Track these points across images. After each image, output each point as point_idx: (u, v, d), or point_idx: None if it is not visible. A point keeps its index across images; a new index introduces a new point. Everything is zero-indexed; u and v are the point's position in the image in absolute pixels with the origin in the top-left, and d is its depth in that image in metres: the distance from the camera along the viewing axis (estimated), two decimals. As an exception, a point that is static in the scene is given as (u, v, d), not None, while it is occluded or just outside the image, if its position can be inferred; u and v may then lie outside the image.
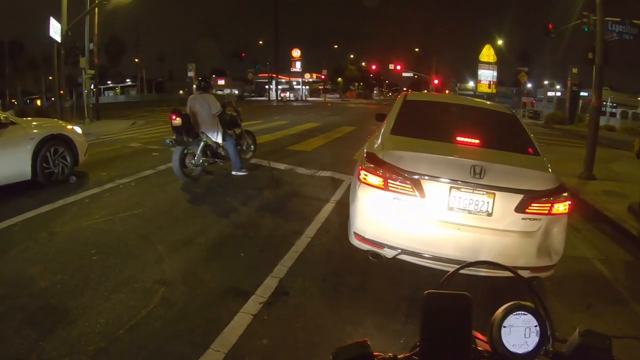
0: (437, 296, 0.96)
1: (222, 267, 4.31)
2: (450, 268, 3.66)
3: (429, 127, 4.54)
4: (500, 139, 4.49)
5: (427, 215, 3.75)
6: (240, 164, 8.02)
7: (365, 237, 3.88)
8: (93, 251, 4.50)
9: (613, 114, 32.26)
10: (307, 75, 63.99)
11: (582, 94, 31.34)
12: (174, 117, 7.08)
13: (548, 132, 23.35)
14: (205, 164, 7.70)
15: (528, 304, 1.06)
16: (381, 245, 3.81)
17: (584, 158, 10.18)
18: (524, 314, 1.04)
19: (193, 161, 7.45)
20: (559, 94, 41.28)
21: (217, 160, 7.91)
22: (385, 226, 3.79)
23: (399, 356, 1.00)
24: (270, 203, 6.62)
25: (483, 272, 3.52)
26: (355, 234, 3.97)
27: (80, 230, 5.13)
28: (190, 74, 33.51)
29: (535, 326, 1.03)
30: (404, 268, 3.94)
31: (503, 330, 1.02)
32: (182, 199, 6.57)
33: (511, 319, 1.03)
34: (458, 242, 3.69)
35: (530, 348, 1.01)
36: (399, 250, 3.76)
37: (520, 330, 1.02)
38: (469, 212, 3.72)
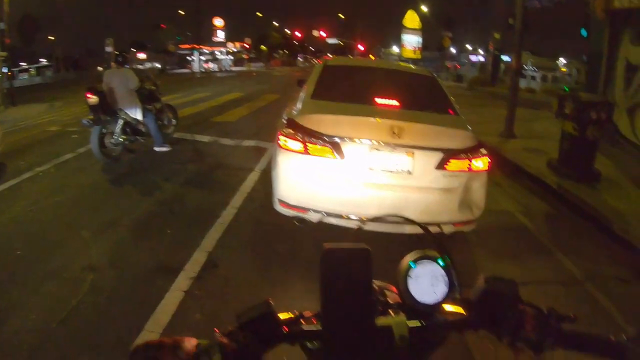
0: (335, 251, 0.92)
1: (149, 247, 4.32)
2: (376, 228, 3.83)
3: (348, 90, 4.58)
4: (420, 100, 4.60)
5: (349, 177, 3.85)
6: (162, 140, 7.86)
7: (289, 202, 3.94)
8: (17, 245, 4.36)
9: (534, 77, 33.57)
10: (230, 45, 61.94)
11: (503, 58, 32.32)
12: (89, 95, 6.76)
13: (471, 94, 23.97)
14: (126, 142, 7.43)
15: (432, 252, 1.04)
16: (305, 210, 3.89)
17: (504, 118, 10.66)
18: (430, 263, 1.01)
19: (112, 140, 7.16)
20: (481, 58, 42.51)
21: (138, 137, 7.67)
22: (309, 190, 3.86)
23: (304, 314, 0.99)
24: (195, 177, 6.61)
25: (407, 229, 3.67)
26: (279, 200, 4.03)
27: (1, 225, 4.95)
28: (109, 49, 31.47)
29: (442, 275, 1.00)
30: (331, 231, 4.02)
31: (409, 281, 0.99)
32: (104, 181, 6.42)
33: (417, 269, 1.00)
34: (380, 201, 3.80)
35: (438, 297, 0.99)
36: (324, 214, 3.85)
37: (427, 280, 0.99)
38: (390, 171, 3.83)
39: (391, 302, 1.07)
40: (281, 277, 3.82)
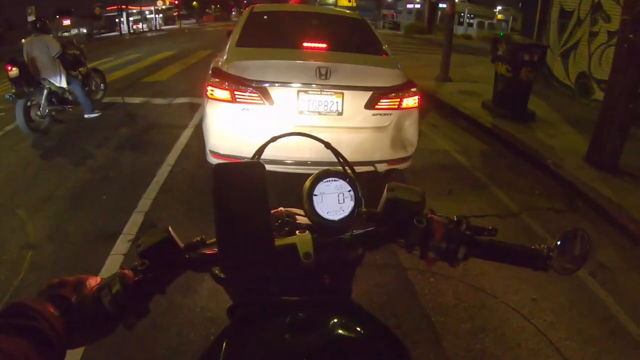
0: (226, 167, 0.86)
1: (86, 215, 4.16)
2: (312, 170, 3.89)
3: (275, 35, 4.50)
4: (349, 42, 4.57)
5: (279, 121, 3.81)
6: (91, 106, 7.47)
7: (221, 152, 3.89)
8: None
9: (471, 24, 33.97)
10: (159, 3, 59.25)
11: (440, 5, 32.48)
12: (9, 67, 6.35)
13: (408, 41, 24.04)
14: (53, 112, 7.02)
15: (336, 169, 1.02)
16: (238, 159, 3.82)
17: (440, 62, 10.78)
18: (335, 180, 0.99)
19: (39, 112, 6.72)
20: (418, 6, 42.47)
21: (65, 106, 7.25)
22: (239, 139, 3.81)
23: (207, 241, 0.95)
24: (128, 140, 6.38)
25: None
26: (211, 151, 3.97)
27: None
28: (31, 18, 29.48)
29: (349, 191, 0.99)
30: (268, 177, 4.05)
31: (315, 199, 0.97)
32: (35, 156, 6.05)
33: (321, 187, 0.98)
34: (312, 144, 3.82)
35: (345, 213, 0.97)
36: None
37: (333, 197, 0.98)
38: (320, 113, 3.82)
39: (299, 222, 1.03)
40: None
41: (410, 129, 4.07)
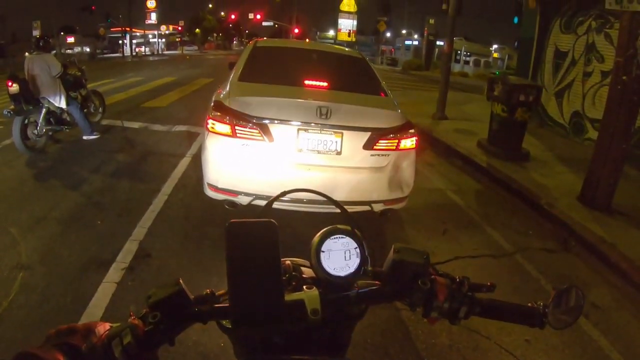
0: (240, 224, 0.89)
1: (79, 239, 4.13)
2: (308, 208, 3.89)
3: (277, 72, 4.53)
4: (349, 81, 4.62)
5: (278, 158, 3.83)
6: (90, 128, 7.51)
7: (219, 186, 3.90)
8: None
9: (467, 62, 34.62)
10: (163, 27, 60.06)
11: (438, 43, 33.12)
12: (10, 83, 6.37)
13: (405, 78, 24.46)
14: (50, 132, 7.06)
15: (344, 226, 1.04)
16: (235, 194, 3.87)
17: (437, 100, 10.91)
18: (342, 237, 1.01)
19: (36, 131, 6.74)
20: (416, 42, 43.41)
21: (63, 127, 7.29)
22: (238, 174, 3.83)
23: (217, 292, 0.96)
24: (125, 165, 6.38)
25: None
26: (209, 184, 3.98)
27: None
28: (36, 32, 29.63)
29: (355, 248, 1.00)
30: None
31: (322, 255, 0.99)
32: (30, 174, 6.03)
33: (329, 243, 1.00)
34: (310, 182, 3.80)
35: (351, 270, 0.99)
36: (254, 197, 3.83)
37: (339, 254, 1.00)
38: (319, 152, 3.85)
39: (305, 277, 1.06)
40: (214, 262, 3.76)
41: (408, 170, 4.11)
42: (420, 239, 4.52)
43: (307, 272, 1.08)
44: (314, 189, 3.40)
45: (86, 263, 3.75)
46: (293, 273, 1.06)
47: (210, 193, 4.03)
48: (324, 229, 1.03)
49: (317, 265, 0.99)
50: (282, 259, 1.06)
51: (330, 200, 1.24)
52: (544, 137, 9.18)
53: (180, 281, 0.91)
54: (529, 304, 1.01)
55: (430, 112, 10.90)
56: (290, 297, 0.94)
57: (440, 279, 0.99)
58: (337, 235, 1.01)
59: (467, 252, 4.33)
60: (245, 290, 0.86)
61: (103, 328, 0.81)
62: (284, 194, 1.24)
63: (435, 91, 11.57)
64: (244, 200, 3.88)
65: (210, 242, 4.13)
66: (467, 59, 35.44)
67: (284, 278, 1.03)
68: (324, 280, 0.99)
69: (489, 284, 1.00)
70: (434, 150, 8.15)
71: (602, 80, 8.48)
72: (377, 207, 4.01)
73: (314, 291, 0.96)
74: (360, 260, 1.00)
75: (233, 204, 3.96)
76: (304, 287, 0.99)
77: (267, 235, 0.89)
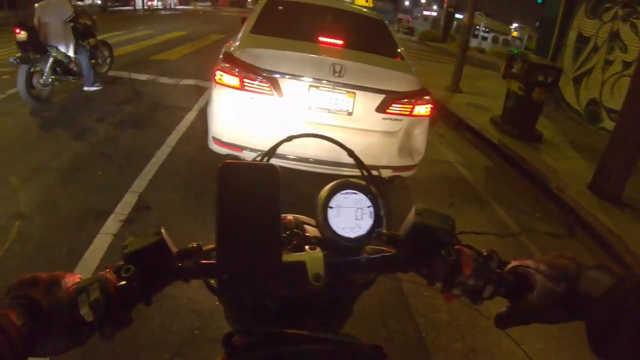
0: (235, 167, 0.75)
1: (79, 190, 4.06)
2: (315, 169, 3.78)
3: (291, 26, 4.38)
4: (365, 42, 4.45)
5: (286, 115, 3.73)
6: (93, 79, 7.35)
7: (224, 140, 3.80)
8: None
9: (485, 38, 34.00)
10: (176, -20, 59.35)
11: (457, 15, 32.44)
12: (18, 30, 6.21)
13: (421, 48, 23.99)
14: (56, 82, 6.89)
15: (358, 180, 0.91)
16: (240, 149, 3.77)
17: (452, 73, 10.72)
18: (354, 193, 0.88)
19: (41, 80, 6.58)
20: (435, 14, 42.48)
21: (69, 77, 7.11)
22: (244, 128, 3.73)
23: (204, 247, 0.83)
24: (129, 117, 6.26)
25: (346, 170, 3.57)
26: (214, 138, 3.88)
27: None
28: (46, -17, 29.20)
29: (369, 207, 0.88)
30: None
31: (330, 212, 0.87)
32: (33, 124, 5.92)
33: (339, 199, 0.88)
34: (319, 142, 3.73)
35: (363, 231, 0.86)
36: (259, 153, 3.75)
37: (350, 212, 0.87)
38: (329, 111, 3.74)
39: (308, 235, 0.92)
40: (215, 219, 3.67)
41: (420, 137, 3.99)
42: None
43: (312, 231, 0.94)
44: (322, 149, 3.19)
45: (84, 214, 3.68)
46: (295, 230, 0.92)
47: (215, 147, 3.92)
48: (334, 182, 0.90)
49: (324, 223, 0.86)
50: (283, 215, 0.94)
51: (342, 148, 1.10)
52: (557, 121, 9.03)
53: (163, 230, 0.78)
54: None
55: (445, 84, 10.74)
56: (289, 257, 0.81)
57: (467, 250, 0.83)
58: (349, 190, 0.88)
59: (472, 227, 4.24)
60: (236, 246, 0.73)
61: (71, 280, 0.70)
62: (290, 138, 1.10)
63: (451, 64, 11.35)
64: (248, 156, 3.77)
65: (212, 198, 4.00)
66: (486, 35, 34.85)
67: (283, 235, 0.90)
68: (330, 240, 0.86)
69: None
70: (446, 122, 8.02)
71: (623, 70, 8.30)
72: (386, 173, 3.91)
73: (318, 252, 0.83)
74: (374, 221, 0.87)
75: (238, 159, 3.85)
76: (307, 247, 0.86)
77: (266, 180, 0.75)
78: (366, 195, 0.89)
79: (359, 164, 1.02)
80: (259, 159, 1.00)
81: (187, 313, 2.66)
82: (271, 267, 0.74)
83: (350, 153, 1.07)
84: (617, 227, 4.54)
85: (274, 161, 3.17)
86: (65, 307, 0.66)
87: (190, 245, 0.81)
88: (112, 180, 4.29)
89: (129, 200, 3.90)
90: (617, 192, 5.21)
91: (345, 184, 0.89)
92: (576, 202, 5.01)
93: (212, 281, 0.83)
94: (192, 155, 4.98)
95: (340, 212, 0.87)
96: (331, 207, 0.87)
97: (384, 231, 0.87)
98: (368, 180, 0.93)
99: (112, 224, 3.52)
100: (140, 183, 4.21)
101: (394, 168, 3.94)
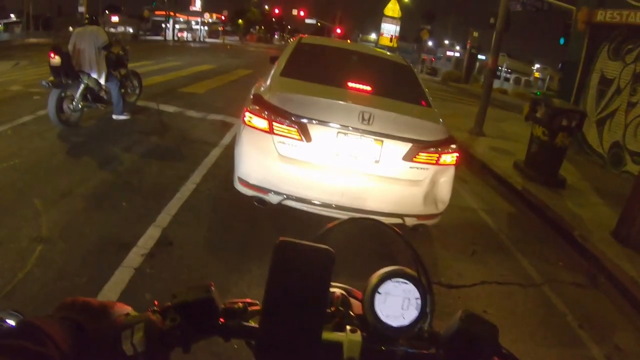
0: (291, 246, 0.78)
1: (102, 219, 4.10)
2: (338, 214, 3.74)
3: (320, 71, 4.43)
4: (393, 88, 4.48)
5: (313, 160, 3.74)
6: (122, 108, 7.53)
7: (250, 182, 3.81)
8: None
9: (507, 79, 34.23)
10: (206, 15, 60.87)
11: (479, 57, 32.74)
12: (52, 55, 6.37)
13: (443, 89, 24.25)
14: (85, 109, 7.06)
15: (411, 271, 0.90)
16: (266, 191, 3.77)
17: (475, 115, 10.73)
18: (405, 283, 0.87)
19: (71, 106, 6.76)
20: (457, 54, 43.13)
21: (98, 104, 7.28)
22: (271, 171, 3.74)
23: (251, 307, 0.86)
24: (156, 148, 6.36)
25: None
26: (240, 178, 3.89)
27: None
28: (81, 8, 30.11)
29: (417, 299, 0.87)
30: (291, 214, 3.95)
31: (377, 297, 0.86)
32: (61, 147, 6.06)
33: (388, 286, 0.87)
34: (345, 188, 3.71)
35: (406, 322, 0.85)
36: (284, 196, 3.73)
37: (397, 300, 0.86)
38: (356, 158, 3.74)
39: (352, 314, 0.91)
40: (237, 260, 3.68)
41: (445, 186, 3.97)
42: (447, 258, 4.39)
43: (357, 306, 0.94)
44: (348, 196, 3.18)
45: (106, 244, 3.70)
46: (340, 307, 0.92)
47: (240, 188, 3.94)
48: (387, 268, 0.90)
49: (369, 307, 0.86)
50: (333, 285, 0.95)
51: (400, 238, 1.03)
52: (580, 164, 8.94)
53: (212, 287, 0.81)
54: None
55: (468, 127, 10.72)
56: (328, 335, 0.81)
57: None
58: (400, 279, 0.88)
59: (495, 277, 4.18)
60: (281, 317, 0.75)
61: (121, 310, 0.74)
62: (352, 220, 1.05)
63: (474, 105, 11.37)
64: (274, 199, 3.77)
65: (235, 238, 4.05)
66: (508, 76, 34.93)
67: (328, 310, 0.89)
68: (370, 324, 0.86)
69: None
70: (469, 167, 7.97)
71: (646, 112, 8.21)
72: (410, 221, 3.88)
73: (357, 336, 0.82)
74: (419, 314, 0.86)
75: (262, 201, 3.85)
76: (348, 327, 0.85)
77: (321, 264, 0.78)
78: (417, 287, 0.88)
79: (415, 259, 0.96)
80: (319, 233, 0.98)
81: (207, 356, 2.61)
82: (310, 343, 0.76)
83: (405, 241, 1.00)
84: (641, 276, 4.41)
85: (298, 205, 3.19)
86: (108, 339, 0.69)
87: (236, 305, 0.85)
88: (136, 212, 4.32)
89: (152, 234, 3.91)
90: (641, 240, 5.08)
91: (397, 272, 0.89)
92: (600, 250, 4.91)
93: (253, 342, 0.84)
94: (216, 193, 4.99)
95: (387, 299, 0.87)
96: (379, 293, 0.87)
97: (426, 327, 0.87)
98: (420, 273, 0.91)
99: (133, 258, 3.52)
100: (164, 217, 4.22)
101: (419, 216, 3.91)
